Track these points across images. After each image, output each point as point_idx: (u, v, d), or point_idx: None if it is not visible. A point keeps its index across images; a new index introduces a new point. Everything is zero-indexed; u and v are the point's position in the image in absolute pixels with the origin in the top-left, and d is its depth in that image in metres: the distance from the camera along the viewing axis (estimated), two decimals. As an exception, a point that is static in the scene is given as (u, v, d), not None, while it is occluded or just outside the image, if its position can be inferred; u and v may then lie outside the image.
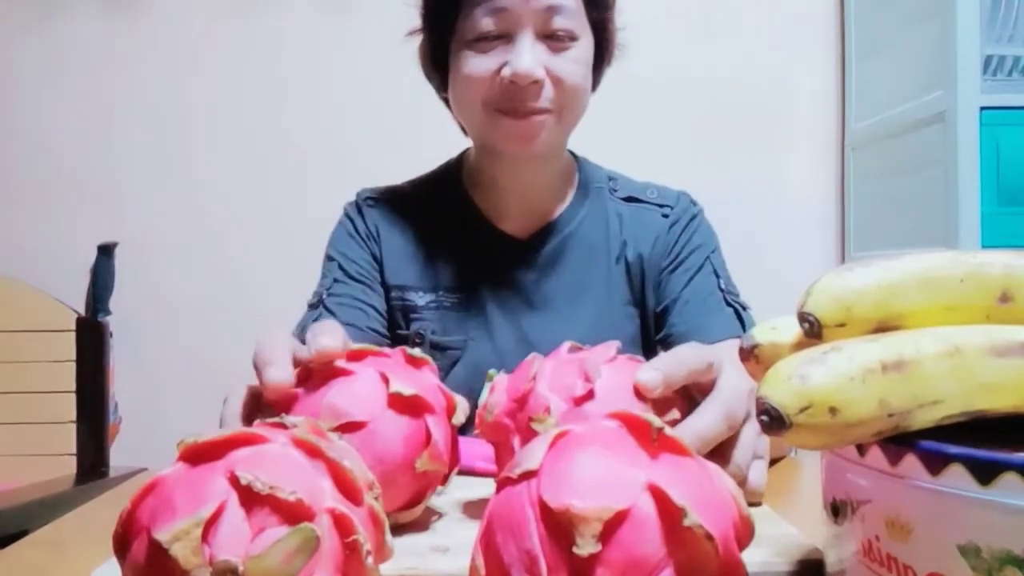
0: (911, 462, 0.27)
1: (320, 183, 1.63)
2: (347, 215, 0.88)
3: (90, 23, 1.75)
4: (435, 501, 0.49)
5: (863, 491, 0.30)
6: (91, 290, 1.63)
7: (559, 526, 0.28)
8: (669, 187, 0.90)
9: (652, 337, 0.85)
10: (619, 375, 0.44)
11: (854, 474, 0.30)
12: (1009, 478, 0.24)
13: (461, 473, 0.51)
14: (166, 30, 1.76)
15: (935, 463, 0.26)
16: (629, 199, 0.88)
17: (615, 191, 0.88)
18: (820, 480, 0.34)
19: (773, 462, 0.61)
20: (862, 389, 0.27)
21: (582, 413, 0.42)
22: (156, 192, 1.76)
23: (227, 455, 0.30)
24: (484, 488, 0.51)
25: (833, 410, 0.27)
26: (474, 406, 0.48)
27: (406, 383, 0.43)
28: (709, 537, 0.28)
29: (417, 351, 0.48)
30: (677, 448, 0.31)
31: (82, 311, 1.55)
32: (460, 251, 0.84)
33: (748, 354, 0.34)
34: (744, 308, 0.82)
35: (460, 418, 0.46)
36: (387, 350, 0.47)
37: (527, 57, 0.71)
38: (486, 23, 0.72)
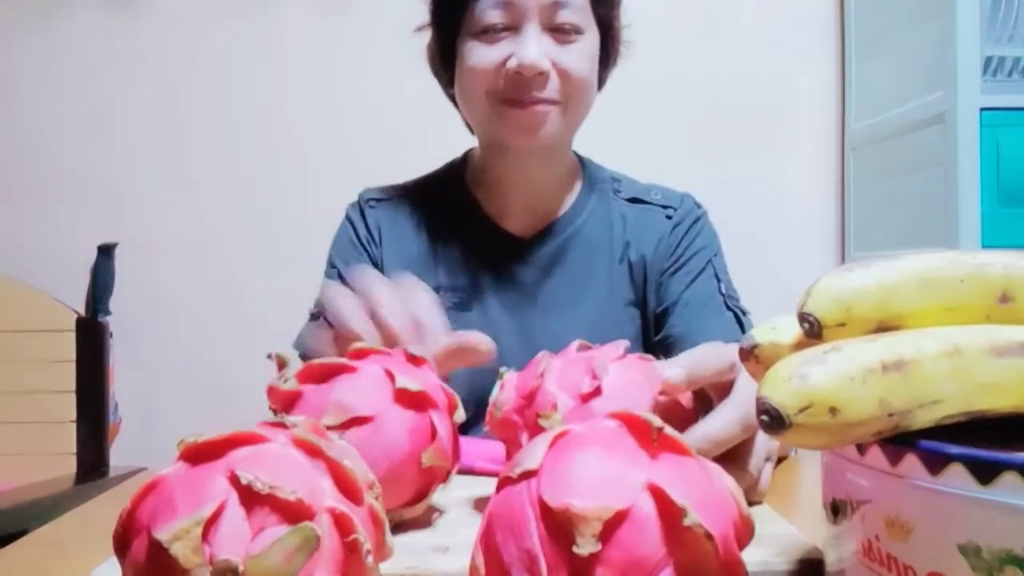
0: (911, 462, 0.27)
1: (320, 183, 1.63)
2: (348, 218, 0.88)
3: (90, 23, 1.74)
4: (437, 499, 0.49)
5: (863, 491, 0.30)
6: (91, 290, 1.62)
7: (559, 526, 0.28)
8: (673, 189, 0.90)
9: (652, 338, 0.85)
10: (626, 373, 0.44)
11: (854, 474, 0.30)
12: (1009, 478, 0.25)
13: (461, 472, 0.51)
14: (166, 30, 1.75)
15: (935, 463, 0.26)
16: (633, 200, 0.87)
17: (619, 192, 0.88)
18: (820, 480, 0.34)
19: (775, 462, 0.61)
20: (862, 389, 0.27)
21: (589, 410, 0.43)
22: (156, 192, 1.76)
23: (227, 455, 0.30)
24: (485, 487, 0.51)
25: (833, 410, 0.27)
26: (481, 404, 0.48)
27: (411, 379, 0.43)
28: (709, 537, 0.28)
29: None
30: (677, 448, 0.31)
31: (82, 311, 1.55)
32: (463, 250, 0.84)
33: (748, 354, 0.34)
34: (744, 313, 0.82)
35: (460, 416, 0.46)
36: (388, 349, 0.48)
37: (533, 48, 0.71)
38: (493, 15, 0.72)
